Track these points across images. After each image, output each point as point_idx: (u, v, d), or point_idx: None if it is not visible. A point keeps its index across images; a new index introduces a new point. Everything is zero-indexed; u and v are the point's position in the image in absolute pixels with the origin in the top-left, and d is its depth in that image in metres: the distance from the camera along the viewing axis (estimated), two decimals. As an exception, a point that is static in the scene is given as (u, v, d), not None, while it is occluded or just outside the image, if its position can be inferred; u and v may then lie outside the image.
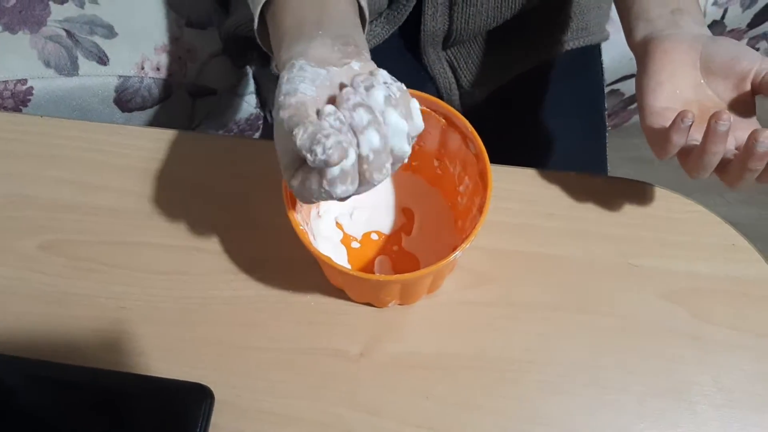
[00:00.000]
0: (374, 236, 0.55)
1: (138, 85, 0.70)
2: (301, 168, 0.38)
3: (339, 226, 0.55)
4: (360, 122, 0.36)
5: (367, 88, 0.37)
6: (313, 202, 0.39)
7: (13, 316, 0.53)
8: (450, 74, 0.71)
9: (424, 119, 0.49)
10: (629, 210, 0.57)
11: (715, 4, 0.87)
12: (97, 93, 0.69)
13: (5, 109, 0.66)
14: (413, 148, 0.53)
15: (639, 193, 0.58)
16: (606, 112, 0.75)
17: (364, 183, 0.38)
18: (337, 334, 0.53)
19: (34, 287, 0.54)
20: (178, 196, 0.57)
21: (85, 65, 0.68)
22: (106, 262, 0.55)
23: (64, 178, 0.58)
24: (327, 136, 0.34)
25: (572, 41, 0.72)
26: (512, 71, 0.72)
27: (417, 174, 0.56)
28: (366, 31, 0.46)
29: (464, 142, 0.48)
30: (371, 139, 0.36)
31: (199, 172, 0.58)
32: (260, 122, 0.82)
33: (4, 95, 0.66)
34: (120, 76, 0.69)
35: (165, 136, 0.60)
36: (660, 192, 0.58)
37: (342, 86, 0.38)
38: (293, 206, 0.46)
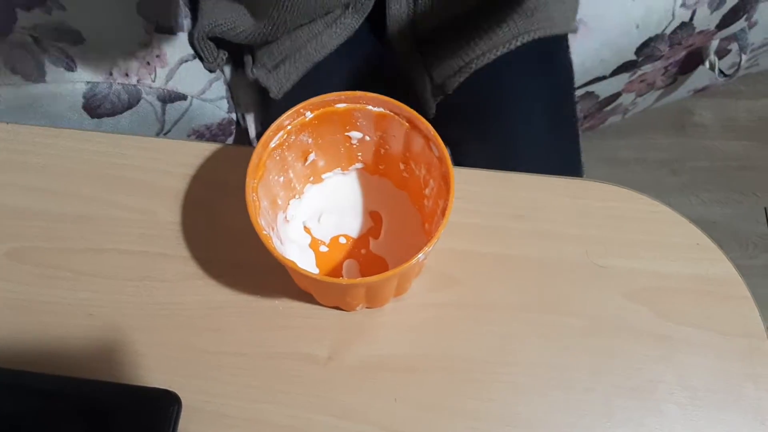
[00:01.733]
0: (342, 240, 0.55)
1: (107, 91, 0.70)
2: None
3: (307, 230, 0.55)
4: None
5: None
6: None
7: (-22, 324, 0.53)
8: (422, 66, 0.72)
9: (387, 123, 0.50)
10: (596, 211, 0.58)
11: (683, 5, 0.88)
12: (65, 99, 0.68)
13: (-29, 116, 0.66)
14: (378, 152, 0.54)
15: (606, 194, 0.59)
16: (578, 108, 0.75)
17: None
18: (306, 338, 0.53)
19: (1, 295, 0.54)
20: (145, 202, 0.57)
21: (53, 72, 0.68)
22: (73, 269, 0.55)
23: (30, 185, 0.58)
24: None
25: (538, 30, 0.72)
26: (480, 61, 0.72)
27: (384, 177, 0.56)
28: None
29: (427, 145, 0.48)
30: None
31: (168, 178, 0.58)
32: (233, 127, 0.82)
33: (-30, 103, 0.66)
34: (88, 83, 0.69)
35: (133, 141, 0.60)
36: (626, 193, 0.59)
37: None
38: (257, 212, 0.46)
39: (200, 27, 0.73)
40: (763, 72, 1.40)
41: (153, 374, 0.51)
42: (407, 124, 0.49)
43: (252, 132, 0.82)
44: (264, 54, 0.73)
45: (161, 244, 0.56)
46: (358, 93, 0.48)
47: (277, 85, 0.71)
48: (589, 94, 1.12)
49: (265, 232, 0.45)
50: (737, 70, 1.13)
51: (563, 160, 0.71)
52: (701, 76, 1.25)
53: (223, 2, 0.72)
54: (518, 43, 0.71)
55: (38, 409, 0.49)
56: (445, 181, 0.47)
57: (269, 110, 0.74)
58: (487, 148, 0.69)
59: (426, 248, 0.44)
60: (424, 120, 0.47)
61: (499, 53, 0.71)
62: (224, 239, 0.56)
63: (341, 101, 0.49)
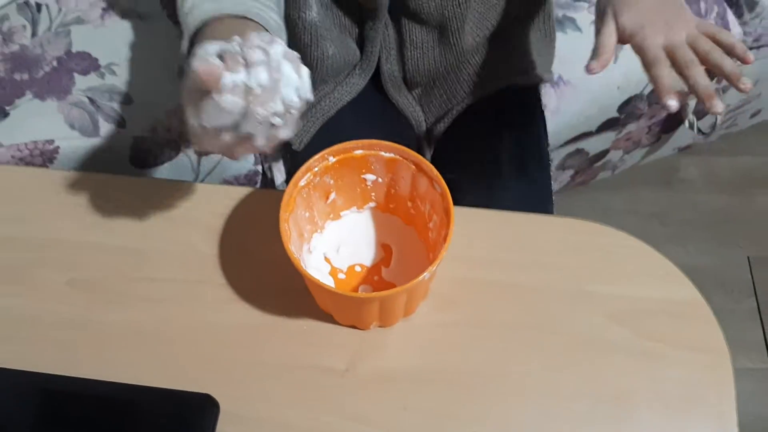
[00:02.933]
0: (358, 268, 0.63)
1: (151, 145, 0.79)
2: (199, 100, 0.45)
3: (327, 260, 0.63)
4: (253, 59, 0.43)
5: (269, 42, 0.45)
6: (206, 147, 0.47)
7: (42, 339, 0.60)
8: (418, 111, 0.82)
9: (397, 166, 0.58)
10: (579, 244, 0.65)
11: (657, 70, 0.98)
12: (114, 152, 0.78)
13: (34, 165, 0.75)
14: (389, 192, 0.62)
15: (588, 230, 0.66)
16: (548, 149, 0.83)
17: (249, 116, 0.44)
18: (326, 353, 0.60)
19: (62, 316, 0.61)
20: (186, 237, 0.65)
21: (105, 127, 0.77)
22: (124, 294, 0.62)
23: (86, 224, 0.66)
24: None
25: (516, 78, 0.81)
26: (460, 107, 0.81)
27: (394, 215, 0.64)
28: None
29: (431, 184, 0.57)
30: (259, 75, 0.43)
31: (206, 216, 0.66)
32: (258, 177, 0.91)
33: (34, 153, 0.74)
34: (135, 137, 0.78)
35: (174, 186, 0.68)
36: (605, 229, 0.66)
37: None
38: (289, 240, 0.54)
39: None
40: (743, 131, 1.50)
41: (194, 383, 0.58)
42: (414, 166, 0.57)
43: (278, 180, 0.91)
44: None
45: (201, 273, 0.63)
46: (373, 141, 0.57)
47: (298, 138, 0.80)
48: (579, 150, 1.21)
49: (295, 256, 0.53)
50: (714, 128, 1.22)
51: (538, 197, 0.79)
52: (683, 135, 1.35)
53: None
54: (496, 88, 0.80)
55: (86, 413, 0.56)
56: (447, 214, 0.55)
57: (292, 160, 0.83)
58: (478, 189, 0.77)
59: (431, 267, 0.52)
60: (428, 162, 0.56)
61: (476, 98, 0.79)
62: (255, 268, 0.63)
63: (358, 148, 0.57)
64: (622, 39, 0.58)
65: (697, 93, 0.54)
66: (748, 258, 1.41)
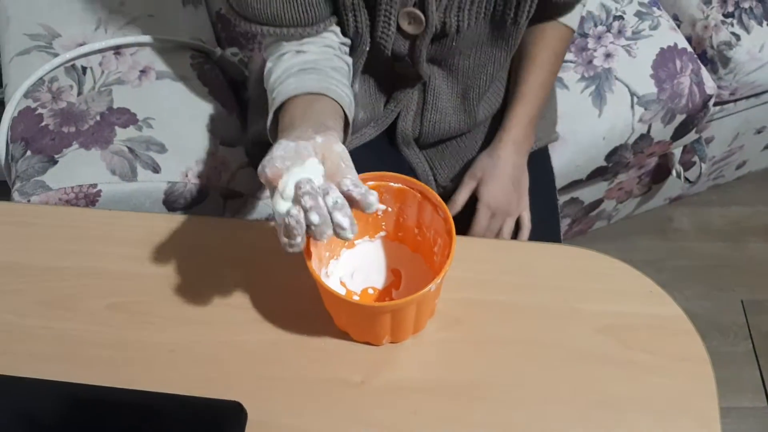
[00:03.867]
0: (370, 291, 0.69)
1: (182, 189, 0.86)
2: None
3: (342, 284, 0.69)
4: (306, 204, 0.52)
5: (324, 193, 0.53)
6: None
7: (86, 356, 0.66)
8: (427, 167, 0.89)
9: (404, 196, 0.65)
10: (572, 267, 0.71)
11: (640, 121, 1.05)
12: (150, 195, 0.85)
13: (79, 206, 0.82)
14: (398, 221, 0.69)
15: (579, 255, 0.72)
16: (558, 202, 0.91)
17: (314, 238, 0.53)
18: (343, 367, 0.65)
19: (103, 336, 0.67)
20: (214, 265, 0.72)
21: (142, 173, 0.85)
22: (159, 316, 0.68)
23: (126, 254, 0.73)
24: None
25: None
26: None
27: (402, 243, 0.71)
28: (350, 129, 0.65)
29: (435, 210, 0.63)
30: (312, 218, 0.52)
31: (232, 247, 0.73)
32: (277, 221, 0.97)
33: (79, 196, 0.82)
34: (169, 182, 0.85)
35: (204, 221, 0.75)
36: (594, 254, 0.72)
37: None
38: (311, 261, 0.60)
39: (251, 135, 0.91)
40: (730, 182, 1.57)
41: (224, 395, 0.63)
42: (419, 195, 0.64)
43: None
44: None
45: (229, 297, 0.69)
46: (383, 173, 0.64)
47: None
48: (575, 200, 1.28)
49: (316, 273, 0.59)
50: (699, 176, 1.30)
51: (548, 232, 0.87)
52: (673, 186, 1.42)
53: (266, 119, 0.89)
54: None
55: (128, 419, 0.62)
56: (449, 234, 0.61)
57: None
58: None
59: (436, 279, 0.58)
60: (432, 191, 0.63)
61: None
62: (279, 293, 0.69)
63: (370, 179, 0.64)
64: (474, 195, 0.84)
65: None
66: (742, 302, 1.45)
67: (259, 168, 0.55)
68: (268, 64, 0.70)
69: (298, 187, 0.53)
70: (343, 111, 0.64)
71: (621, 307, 0.68)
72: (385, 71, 0.80)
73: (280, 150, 0.55)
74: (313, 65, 0.67)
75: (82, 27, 0.95)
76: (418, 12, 0.70)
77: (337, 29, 0.72)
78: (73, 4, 0.98)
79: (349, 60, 0.73)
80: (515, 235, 0.87)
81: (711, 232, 1.56)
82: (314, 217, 0.52)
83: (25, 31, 0.95)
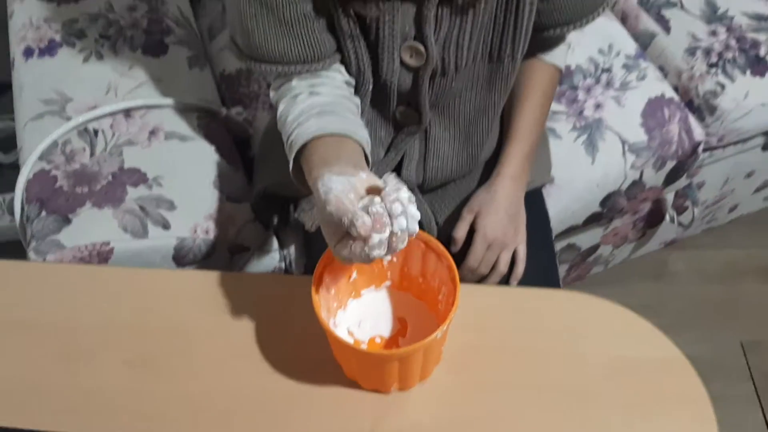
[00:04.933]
0: (378, 340, 0.71)
1: (191, 245, 0.89)
2: (345, 239, 0.56)
3: (350, 333, 0.71)
4: (395, 211, 0.55)
5: (397, 190, 0.56)
6: (352, 262, 0.57)
7: (103, 408, 0.67)
8: (429, 214, 0.91)
9: (409, 246, 0.67)
10: (573, 312, 0.73)
11: (632, 167, 1.09)
12: (160, 251, 0.87)
13: (92, 263, 0.85)
14: (403, 271, 0.71)
15: (579, 300, 0.75)
16: (554, 243, 0.93)
17: (391, 250, 0.56)
18: (352, 415, 0.67)
19: (119, 389, 0.69)
20: (225, 318, 0.74)
21: (153, 230, 0.87)
22: (172, 369, 0.70)
23: (138, 309, 0.75)
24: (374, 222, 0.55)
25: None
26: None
27: (407, 292, 0.73)
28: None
29: (439, 259, 0.66)
30: (401, 223, 0.55)
31: (241, 300, 0.75)
32: (282, 272, 1.00)
33: (92, 254, 0.84)
34: (178, 238, 0.88)
35: (212, 276, 0.77)
36: (594, 299, 0.75)
37: (370, 190, 0.58)
38: (320, 310, 0.63)
39: (257, 190, 0.94)
40: (724, 225, 1.60)
41: (236, 444, 0.65)
42: (423, 245, 0.67)
43: (294, 266, 1.00)
44: (303, 200, 0.93)
45: (238, 349, 0.71)
46: (388, 225, 0.67)
47: (310, 220, 0.89)
48: (572, 245, 1.30)
49: (325, 321, 0.62)
50: (692, 220, 1.33)
51: (546, 276, 0.89)
52: (668, 230, 1.45)
53: (274, 167, 0.92)
54: None
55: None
56: (453, 282, 0.63)
57: (308, 245, 0.92)
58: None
59: (442, 327, 0.60)
60: (435, 240, 0.65)
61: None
62: (287, 343, 0.71)
63: (375, 232, 0.67)
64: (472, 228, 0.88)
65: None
66: (742, 343, 1.47)
67: (323, 196, 0.58)
68: (281, 106, 0.73)
69: (384, 196, 0.56)
70: (365, 153, 0.68)
71: (622, 351, 0.70)
72: (385, 119, 0.83)
73: (332, 182, 0.58)
74: (332, 108, 0.70)
75: (93, 91, 1.00)
76: (419, 45, 0.74)
77: (342, 68, 0.76)
78: (84, 70, 1.02)
79: (358, 101, 0.76)
80: (511, 268, 0.89)
81: (707, 275, 1.58)
82: (402, 223, 0.55)
83: (38, 96, 0.99)
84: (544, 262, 0.91)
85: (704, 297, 1.54)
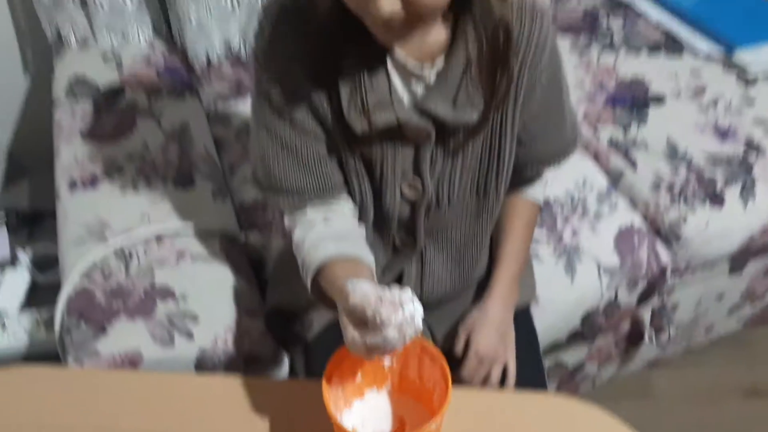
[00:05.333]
0: (380, 436, 0.80)
1: (211, 354, 0.99)
2: (364, 329, 0.67)
3: (354, 430, 0.80)
4: (404, 299, 0.66)
5: (401, 289, 0.67)
6: (368, 353, 0.67)
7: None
8: (427, 331, 1.01)
9: (407, 351, 0.78)
10: (560, 417, 0.83)
11: (608, 288, 1.21)
12: (184, 360, 0.97)
13: (123, 368, 0.95)
14: (402, 374, 0.81)
15: (566, 405, 0.84)
16: (542, 358, 1.03)
17: (401, 336, 0.66)
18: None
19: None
20: (239, 420, 0.82)
21: (179, 341, 0.98)
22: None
23: (164, 413, 0.84)
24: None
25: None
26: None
27: (406, 393, 0.82)
28: None
29: (433, 362, 0.76)
30: (410, 308, 0.65)
31: (252, 403, 0.84)
32: (290, 379, 1.08)
33: (124, 361, 0.94)
34: (200, 348, 0.98)
35: (231, 382, 0.86)
36: (582, 405, 0.84)
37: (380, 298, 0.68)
38: (330, 406, 0.72)
39: (268, 307, 1.05)
40: (702, 346, 1.68)
41: None
42: (420, 349, 0.77)
43: (300, 373, 1.08)
44: (307, 315, 1.02)
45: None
46: (389, 332, 0.77)
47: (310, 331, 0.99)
48: (559, 364, 1.39)
49: (335, 416, 0.71)
50: (669, 340, 1.42)
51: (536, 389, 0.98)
52: (649, 350, 1.54)
53: (285, 287, 1.03)
54: None
55: None
56: (445, 381, 0.73)
57: (311, 356, 1.01)
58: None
59: (436, 418, 0.69)
60: (430, 343, 0.76)
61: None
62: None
63: (379, 337, 0.77)
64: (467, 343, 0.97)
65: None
66: (730, 464, 1.52)
67: (350, 291, 0.69)
68: (297, 232, 0.85)
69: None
70: (374, 277, 0.80)
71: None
72: (385, 243, 0.95)
73: (359, 284, 0.70)
74: (345, 234, 0.83)
75: (129, 219, 1.13)
76: (417, 181, 0.86)
77: (349, 198, 0.88)
78: (122, 200, 1.16)
79: (363, 229, 0.89)
80: (502, 380, 0.97)
81: (690, 395, 1.65)
82: (410, 307, 0.66)
83: (80, 223, 1.13)
84: (534, 376, 1.00)
85: (689, 416, 1.60)
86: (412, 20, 0.70)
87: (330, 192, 0.86)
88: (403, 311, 0.66)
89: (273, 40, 0.79)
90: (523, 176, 0.95)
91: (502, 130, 0.85)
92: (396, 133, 0.82)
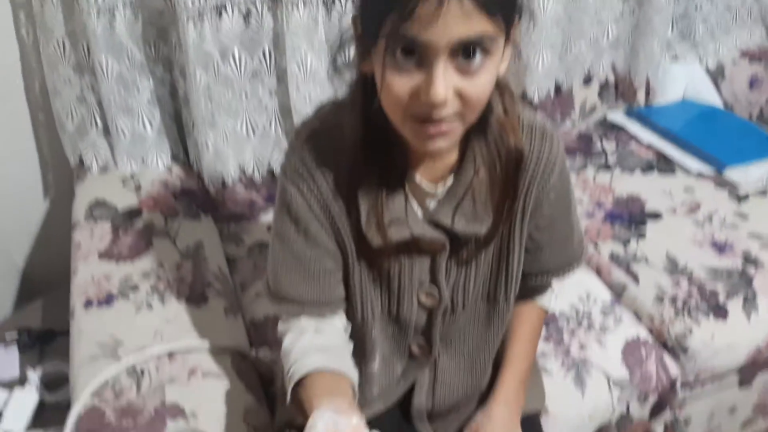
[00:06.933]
0: None
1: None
2: None
3: None
4: None
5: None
6: None
7: None
8: None
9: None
10: None
11: (619, 401, 1.19)
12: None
13: None
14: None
15: None
16: None
17: None
18: None
19: None
20: None
21: (188, 459, 0.95)
22: None
23: None
24: None
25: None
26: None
27: None
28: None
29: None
30: None
31: None
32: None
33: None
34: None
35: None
36: None
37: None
38: None
39: (277, 423, 1.03)
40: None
41: None
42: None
43: None
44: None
45: None
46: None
47: None
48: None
49: None
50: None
51: None
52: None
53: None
54: None
55: None
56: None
57: None
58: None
59: None
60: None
61: None
62: None
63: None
64: None
65: None
66: None
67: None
68: (288, 339, 0.87)
69: None
70: (354, 390, 0.81)
71: None
72: (400, 352, 0.95)
73: (318, 420, 0.69)
74: (333, 347, 0.84)
75: (143, 336, 1.13)
76: (434, 289, 0.88)
77: (344, 315, 0.90)
78: (136, 318, 1.17)
79: (351, 346, 0.90)
80: None
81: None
82: None
83: (94, 340, 1.13)
84: None
85: None
86: (461, 114, 0.72)
87: (328, 305, 0.88)
88: None
89: (302, 157, 0.84)
90: (531, 285, 0.97)
91: (510, 240, 0.88)
92: (413, 246, 0.85)
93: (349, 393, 0.79)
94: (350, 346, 0.89)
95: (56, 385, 1.35)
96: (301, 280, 0.86)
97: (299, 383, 0.81)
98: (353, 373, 0.83)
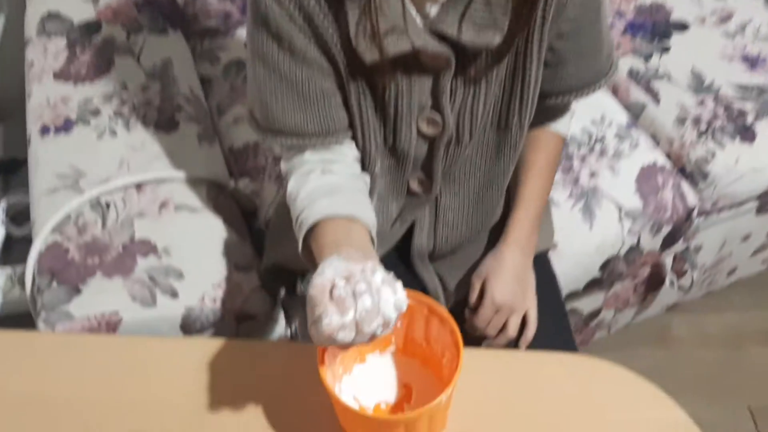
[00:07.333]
0: (383, 406, 0.70)
1: (198, 314, 0.89)
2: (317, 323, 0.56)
3: (356, 399, 0.71)
4: (359, 291, 0.55)
5: (372, 272, 0.57)
6: (326, 345, 0.57)
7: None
8: (437, 281, 0.91)
9: (412, 311, 0.68)
10: (577, 376, 0.73)
11: (629, 232, 1.10)
12: (168, 320, 0.88)
13: (100, 332, 0.85)
14: (407, 337, 0.71)
15: (583, 363, 0.75)
16: (564, 303, 0.93)
17: (359, 333, 0.55)
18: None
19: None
20: (230, 387, 0.73)
21: (162, 300, 0.88)
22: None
23: (144, 380, 0.74)
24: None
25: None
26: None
27: (412, 358, 0.73)
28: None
29: (442, 324, 0.66)
30: (365, 302, 0.55)
31: (245, 370, 0.75)
32: (288, 340, 0.99)
33: (101, 324, 0.85)
34: (186, 307, 0.89)
35: (218, 345, 0.77)
36: (598, 362, 0.74)
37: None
38: (326, 376, 0.62)
39: (266, 262, 0.95)
40: (724, 289, 1.59)
41: None
42: (426, 310, 0.67)
43: (300, 335, 0.99)
44: (310, 274, 0.93)
45: (245, 419, 0.71)
46: (392, 289, 0.67)
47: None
48: (574, 310, 1.30)
49: (331, 387, 0.61)
50: (692, 284, 1.33)
51: (561, 338, 0.89)
52: (668, 294, 1.44)
53: (286, 243, 0.93)
54: None
55: None
56: (456, 347, 0.63)
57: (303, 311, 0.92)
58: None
59: (447, 390, 0.60)
60: (439, 304, 0.66)
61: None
62: (293, 412, 0.71)
63: (379, 297, 0.67)
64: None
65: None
66: (750, 408, 1.44)
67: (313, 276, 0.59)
68: (292, 181, 0.74)
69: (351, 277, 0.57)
70: (372, 236, 0.70)
71: (629, 415, 0.70)
72: (397, 190, 0.84)
73: (327, 267, 0.59)
74: (342, 188, 0.72)
75: (107, 166, 1.02)
76: (436, 114, 0.75)
77: (353, 143, 0.77)
78: (98, 146, 1.05)
79: (368, 178, 0.78)
80: (521, 332, 0.88)
81: (710, 339, 1.56)
82: (366, 302, 0.55)
83: (53, 171, 1.02)
84: (557, 325, 0.91)
85: (709, 361, 1.52)
86: None
87: (333, 134, 0.74)
88: (356, 310, 0.56)
89: None
90: (548, 107, 0.83)
91: (527, 53, 0.73)
92: (412, 62, 0.70)
93: (364, 238, 0.68)
94: (365, 182, 0.77)
95: (24, 218, 1.26)
96: (297, 108, 0.72)
97: (309, 234, 0.70)
98: (368, 214, 0.71)
